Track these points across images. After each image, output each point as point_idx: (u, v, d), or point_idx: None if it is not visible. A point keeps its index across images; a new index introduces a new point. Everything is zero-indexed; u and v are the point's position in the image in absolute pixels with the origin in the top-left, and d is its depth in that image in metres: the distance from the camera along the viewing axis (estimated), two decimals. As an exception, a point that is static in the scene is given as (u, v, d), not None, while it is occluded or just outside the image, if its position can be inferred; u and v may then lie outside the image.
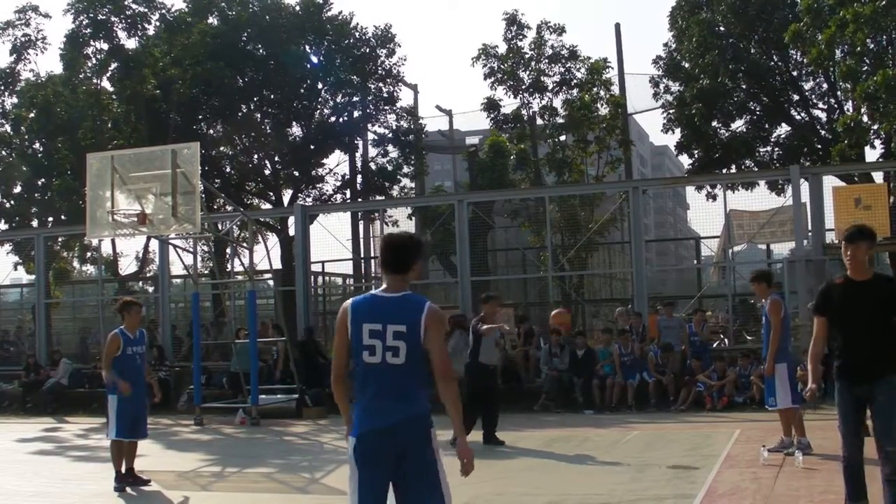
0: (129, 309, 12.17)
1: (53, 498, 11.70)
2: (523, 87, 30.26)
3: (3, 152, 35.47)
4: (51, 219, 33.13)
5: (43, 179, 33.44)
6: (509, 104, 30.92)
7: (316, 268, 28.25)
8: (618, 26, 33.64)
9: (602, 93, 30.32)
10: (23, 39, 34.60)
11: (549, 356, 20.75)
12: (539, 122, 30.80)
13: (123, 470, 12.03)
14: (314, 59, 31.35)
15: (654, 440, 14.91)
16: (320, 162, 32.66)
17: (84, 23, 32.33)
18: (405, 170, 32.86)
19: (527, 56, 30.33)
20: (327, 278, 32.06)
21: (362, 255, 32.15)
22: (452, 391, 5.60)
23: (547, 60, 30.29)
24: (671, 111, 29.61)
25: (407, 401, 5.53)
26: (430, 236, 27.98)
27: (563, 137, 30.45)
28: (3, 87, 35.57)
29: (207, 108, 30.92)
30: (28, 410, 24.05)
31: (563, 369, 20.47)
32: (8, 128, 35.89)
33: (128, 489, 11.84)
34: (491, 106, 30.71)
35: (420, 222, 31.01)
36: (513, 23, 30.53)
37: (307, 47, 31.49)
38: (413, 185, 34.46)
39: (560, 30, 30.38)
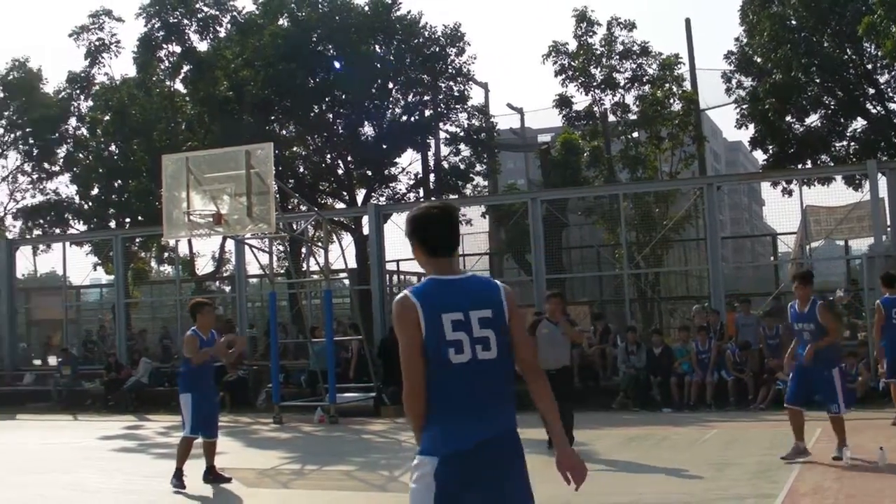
0: (201, 309, 12.31)
1: (137, 494, 11.96)
2: (595, 83, 30.30)
3: (81, 155, 36.36)
4: (128, 220, 33.85)
5: (119, 181, 34.18)
6: (581, 101, 31.00)
7: (391, 266, 28.51)
8: (688, 21, 33.47)
9: (674, 89, 30.26)
10: (97, 44, 35.52)
11: (626, 354, 20.80)
12: (611, 118, 30.80)
13: (208, 467, 12.27)
14: (385, 59, 31.58)
15: (734, 439, 14.91)
16: (393, 161, 32.95)
17: (156, 26, 33.10)
18: (477, 168, 33.06)
19: (597, 53, 30.35)
20: (402, 277, 32.32)
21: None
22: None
23: (618, 57, 30.29)
24: (744, 106, 29.38)
25: (504, 405, 4.48)
26: (504, 234, 28.10)
27: (635, 134, 30.43)
28: (79, 91, 36.50)
29: (279, 108, 31.35)
30: (110, 408, 24.60)
31: (640, 367, 20.52)
32: (84, 131, 36.81)
33: (210, 486, 12.08)
34: (563, 103, 30.80)
35: (493, 220, 31.18)
36: (583, 19, 30.59)
37: (377, 47, 31.79)
38: (486, 183, 34.65)
39: (630, 26, 30.39)
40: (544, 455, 12.65)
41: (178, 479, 11.81)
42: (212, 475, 12.23)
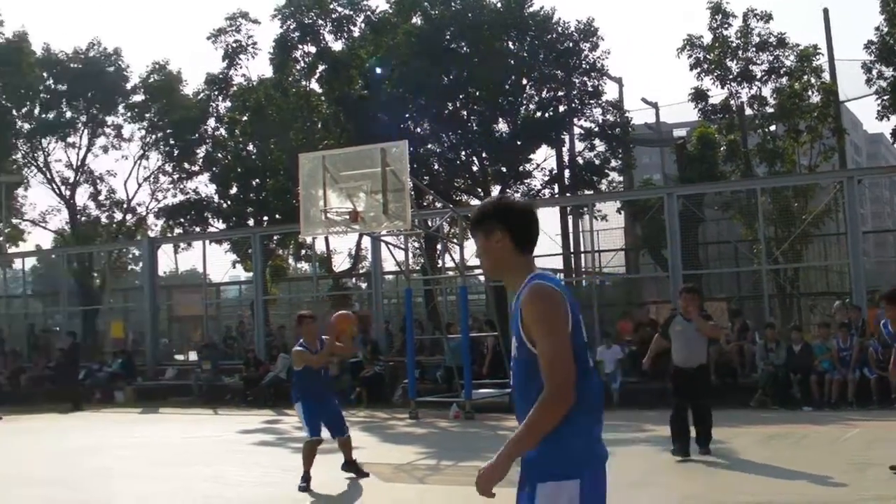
0: (301, 322, 12.49)
1: (275, 487, 12.25)
2: (731, 76, 29.96)
3: (219, 155, 37.45)
4: (266, 218, 34.72)
5: (257, 180, 35.11)
6: (717, 95, 30.67)
7: (525, 263, 28.55)
8: (826, 11, 32.79)
9: (812, 80, 29.70)
10: (234, 45, 36.52)
11: (765, 351, 20.59)
12: (748, 112, 30.40)
13: (346, 461, 12.46)
14: (518, 55, 31.77)
15: (877, 438, 14.66)
16: (527, 157, 33.13)
17: (292, 27, 33.91)
18: (612, 164, 32.99)
19: (733, 45, 30.00)
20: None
21: (572, 250, 32.39)
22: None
23: (754, 49, 29.89)
24: (885, 97, 28.69)
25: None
26: (640, 230, 28.01)
27: (773, 127, 29.97)
28: (217, 92, 37.55)
29: (414, 106, 31.80)
30: (249, 403, 25.23)
31: (779, 364, 20.29)
32: (223, 131, 37.91)
33: (348, 479, 12.28)
34: (698, 97, 30.54)
35: (629, 216, 31.09)
36: (718, 11, 30.29)
37: (510, 43, 31.97)
38: (621, 178, 34.55)
39: (767, 17, 29.99)
40: (664, 456, 12.74)
41: (305, 482, 11.91)
42: (351, 468, 12.48)
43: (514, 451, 3.89)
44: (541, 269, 4.19)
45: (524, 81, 32.36)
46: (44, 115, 41.67)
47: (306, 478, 11.93)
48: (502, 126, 32.68)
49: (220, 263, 44.37)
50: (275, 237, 33.97)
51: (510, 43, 32.03)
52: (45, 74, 41.48)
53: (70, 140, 42.05)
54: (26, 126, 42.14)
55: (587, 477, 3.95)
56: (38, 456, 16.26)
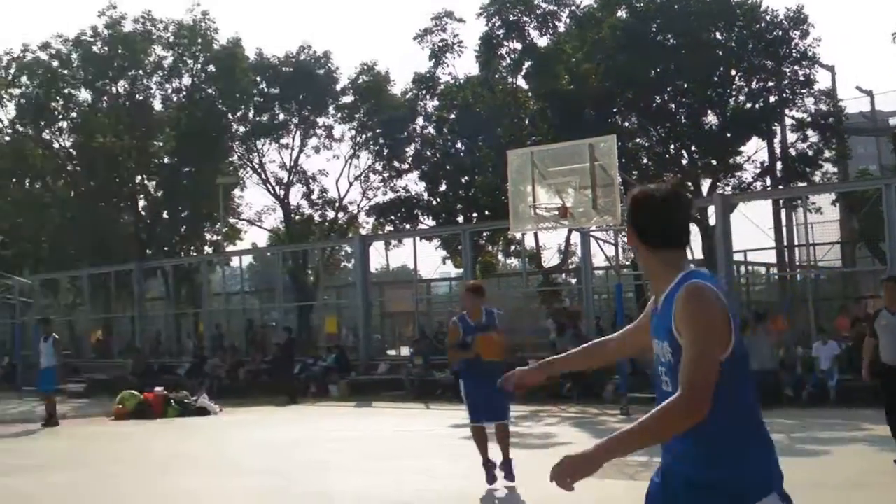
0: (464, 293, 12.24)
1: (482, 480, 12.16)
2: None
3: (428, 153, 38.49)
4: (475, 214, 35.45)
5: (466, 177, 35.96)
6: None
7: (738, 257, 28.44)
8: None
9: None
10: (440, 45, 37.43)
11: None
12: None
13: (489, 456, 11.72)
14: (726, 46, 31.54)
15: None
16: (737, 150, 32.83)
17: (497, 24, 34.59)
18: (826, 154, 32.36)
19: (955, 27, 29.00)
20: (750, 268, 32.10)
21: (786, 244, 31.95)
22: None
23: (977, 31, 28.81)
24: None
25: None
26: (857, 223, 27.46)
27: None
28: (424, 91, 38.58)
29: (621, 100, 31.97)
30: (460, 398, 25.71)
31: None
32: (431, 129, 38.95)
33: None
34: (919, 82, 29.60)
35: (844, 208, 30.47)
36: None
37: (717, 34, 31.78)
38: (835, 169, 33.86)
39: None
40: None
41: (487, 472, 11.53)
42: (499, 468, 11.76)
43: (616, 449, 3.50)
44: (694, 268, 3.75)
45: (733, 72, 32.08)
46: (258, 118, 43.85)
47: (486, 465, 11.55)
48: (711, 118, 32.50)
49: (430, 260, 45.69)
50: (484, 233, 34.59)
51: (718, 33, 31.80)
52: (258, 79, 43.62)
53: (283, 141, 44.21)
54: (241, 129, 44.42)
55: (782, 494, 3.62)
56: (253, 447, 16.89)
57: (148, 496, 11.73)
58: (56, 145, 45.91)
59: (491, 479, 11.54)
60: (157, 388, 24.33)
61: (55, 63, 43.94)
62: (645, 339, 4.05)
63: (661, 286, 3.77)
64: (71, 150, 45.77)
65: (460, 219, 36.01)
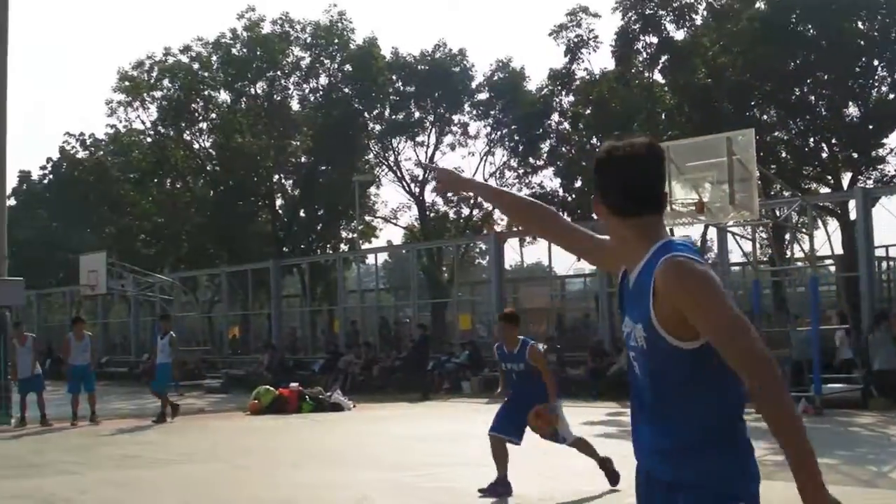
0: (500, 322, 12.15)
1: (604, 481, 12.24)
2: None
3: (564, 149, 38.83)
4: (611, 211, 35.60)
5: (602, 174, 36.08)
6: None
7: (880, 252, 28.07)
8: None
9: None
10: (575, 40, 37.72)
11: None
12: None
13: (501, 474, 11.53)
14: (868, 35, 31.11)
15: None
16: (880, 142, 32.36)
17: (633, 18, 34.71)
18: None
19: None
20: (892, 263, 31.63)
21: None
22: None
23: None
24: None
25: None
26: None
27: None
28: (560, 87, 38.92)
29: (759, 93, 31.81)
30: (594, 396, 25.61)
31: None
32: (567, 125, 39.27)
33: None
34: None
35: None
36: None
37: (860, 23, 31.36)
38: None
39: None
40: None
41: (492, 485, 11.42)
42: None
43: (811, 464, 3.06)
44: (670, 237, 3.31)
45: (875, 63, 31.64)
46: (393, 117, 44.83)
47: (496, 481, 11.35)
48: (852, 110, 32.13)
49: (564, 256, 45.88)
50: (619, 229, 34.61)
51: (859, 23, 31.38)
52: (394, 77, 44.62)
53: (419, 139, 45.13)
54: (377, 127, 45.45)
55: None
56: (386, 442, 17.22)
57: (280, 489, 12.06)
58: (196, 146, 47.70)
59: (487, 491, 11.31)
60: (292, 384, 25.00)
61: (195, 66, 45.67)
62: (590, 254, 3.92)
63: (634, 259, 3.29)
64: (210, 150, 47.49)
65: (593, 215, 36.14)
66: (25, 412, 21.11)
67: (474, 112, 44.37)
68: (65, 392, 22.51)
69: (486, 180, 43.84)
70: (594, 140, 37.01)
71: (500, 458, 11.48)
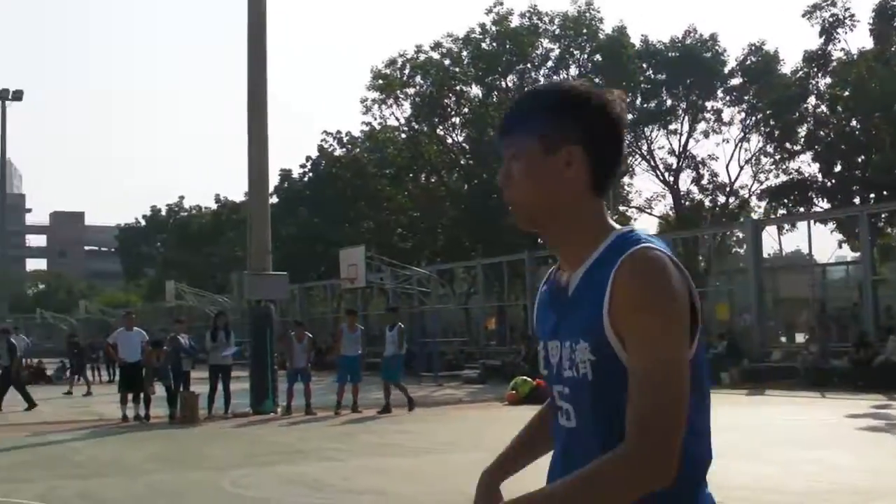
0: None
1: (886, 477, 12.21)
2: None
3: (822, 132, 38.62)
4: (872, 195, 35.28)
5: (862, 156, 35.78)
6: None
7: None
8: None
9: None
10: (830, 20, 37.41)
11: None
12: None
13: None
14: None
15: None
16: None
17: (895, -4, 34.23)
18: None
19: None
20: None
21: None
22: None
23: None
24: None
25: None
26: None
27: None
28: (816, 69, 38.73)
29: None
30: (858, 388, 25.02)
31: None
32: (824, 108, 39.03)
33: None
34: None
35: None
36: None
37: None
38: None
39: None
40: None
41: None
42: None
43: None
44: (628, 227, 2.42)
45: None
46: (645, 105, 45.58)
47: None
48: None
49: (824, 243, 45.56)
50: (883, 215, 34.24)
51: None
52: (644, 65, 45.33)
53: (671, 127, 45.66)
54: (629, 116, 46.05)
55: None
56: None
57: (536, 477, 12.44)
58: (449, 140, 49.76)
59: None
60: None
61: (446, 61, 47.71)
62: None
63: (580, 253, 2.37)
64: (464, 144, 49.43)
65: (857, 200, 35.87)
66: (291, 401, 22.63)
67: (727, 98, 44.69)
68: (332, 381, 23.93)
69: (741, 167, 44.03)
70: (853, 123, 36.67)
71: None
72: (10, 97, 60.58)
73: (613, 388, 2.27)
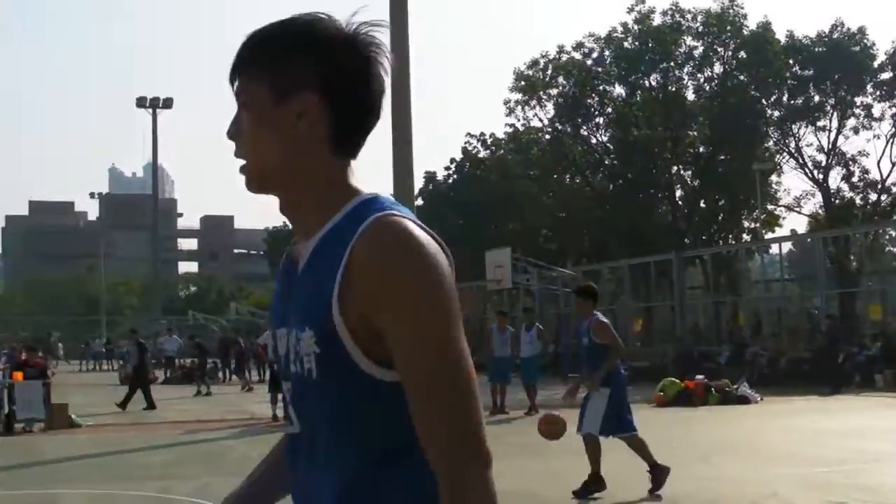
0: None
1: None
2: None
3: None
4: None
5: None
6: None
7: None
8: None
9: None
10: None
11: None
12: None
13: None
14: None
15: None
16: None
17: None
18: None
19: None
20: None
21: None
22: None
23: None
24: None
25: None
26: None
27: None
28: None
29: None
30: None
31: None
32: None
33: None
34: None
35: None
36: None
37: None
38: None
39: None
40: None
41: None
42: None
43: None
44: (373, 192, 2.01)
45: None
46: (792, 102, 45.53)
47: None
48: None
49: None
50: None
51: None
52: (790, 61, 45.16)
53: (819, 124, 45.41)
54: (776, 114, 46.15)
55: None
56: (795, 437, 17.03)
57: (686, 482, 12.08)
58: (593, 140, 50.38)
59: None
60: (698, 376, 25.35)
61: (589, 61, 48.36)
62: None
63: (315, 223, 2.00)
64: (607, 144, 50.03)
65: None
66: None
67: (877, 93, 44.26)
68: (486, 380, 24.50)
69: (893, 164, 43.55)
70: None
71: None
72: (160, 105, 63.19)
73: (343, 391, 1.91)
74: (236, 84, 2.02)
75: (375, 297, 1.82)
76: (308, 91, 1.94)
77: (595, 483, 11.23)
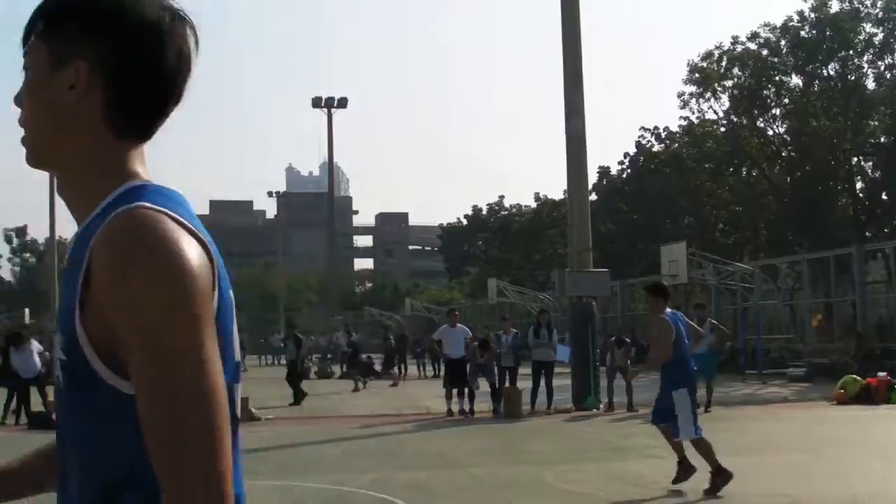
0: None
1: None
2: None
3: None
4: None
5: None
6: None
7: None
8: None
9: None
10: None
11: None
12: None
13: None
14: None
15: None
16: None
17: None
18: None
19: None
20: None
21: None
22: None
23: None
24: None
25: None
26: None
27: None
28: None
29: None
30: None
31: None
32: None
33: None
34: None
35: None
36: None
37: None
38: None
39: None
40: None
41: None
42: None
43: None
44: (147, 181, 1.82)
45: None
46: None
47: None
48: None
49: None
50: None
51: None
52: None
53: None
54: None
55: None
56: None
57: (872, 482, 12.10)
58: (770, 132, 49.96)
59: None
60: (880, 374, 25.09)
61: (764, 52, 47.96)
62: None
63: (84, 213, 1.82)
64: (785, 136, 49.58)
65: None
66: (612, 397, 23.33)
67: None
68: (652, 380, 24.81)
69: None
70: None
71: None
72: (335, 105, 65.28)
73: (90, 405, 1.70)
74: (26, 45, 1.88)
75: (111, 304, 1.63)
76: (81, 61, 1.78)
77: (719, 476, 11.51)
